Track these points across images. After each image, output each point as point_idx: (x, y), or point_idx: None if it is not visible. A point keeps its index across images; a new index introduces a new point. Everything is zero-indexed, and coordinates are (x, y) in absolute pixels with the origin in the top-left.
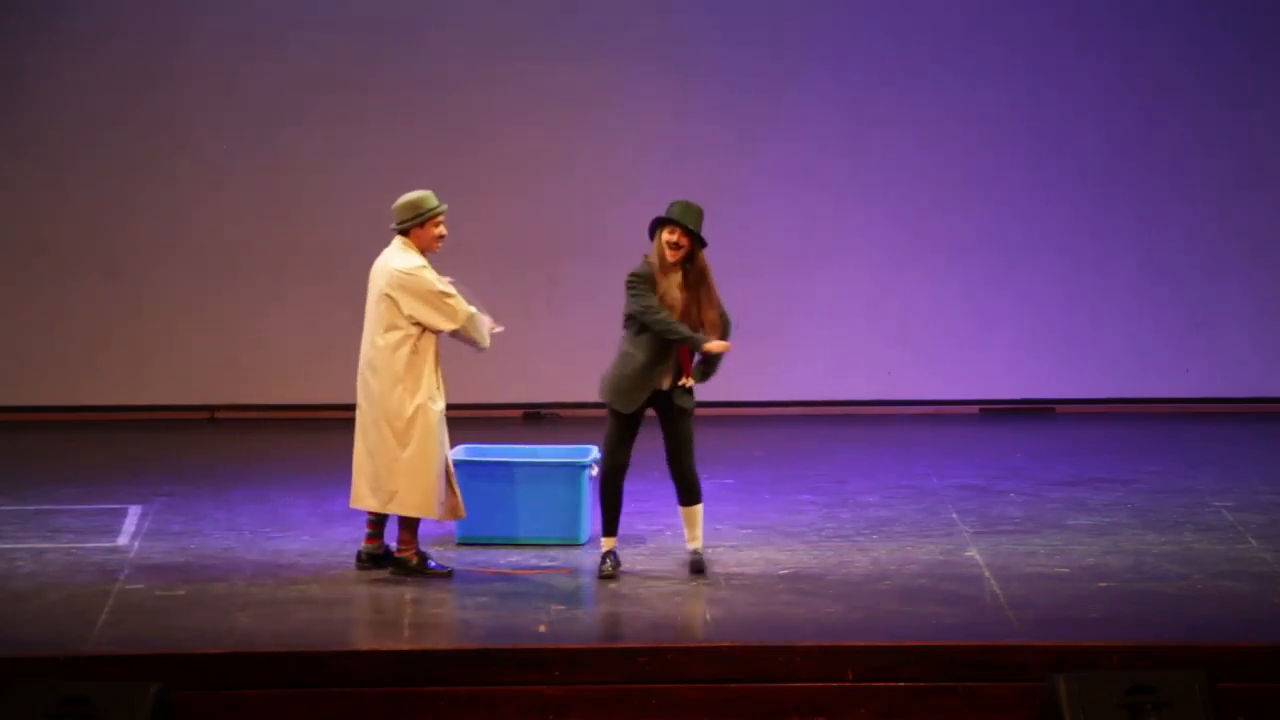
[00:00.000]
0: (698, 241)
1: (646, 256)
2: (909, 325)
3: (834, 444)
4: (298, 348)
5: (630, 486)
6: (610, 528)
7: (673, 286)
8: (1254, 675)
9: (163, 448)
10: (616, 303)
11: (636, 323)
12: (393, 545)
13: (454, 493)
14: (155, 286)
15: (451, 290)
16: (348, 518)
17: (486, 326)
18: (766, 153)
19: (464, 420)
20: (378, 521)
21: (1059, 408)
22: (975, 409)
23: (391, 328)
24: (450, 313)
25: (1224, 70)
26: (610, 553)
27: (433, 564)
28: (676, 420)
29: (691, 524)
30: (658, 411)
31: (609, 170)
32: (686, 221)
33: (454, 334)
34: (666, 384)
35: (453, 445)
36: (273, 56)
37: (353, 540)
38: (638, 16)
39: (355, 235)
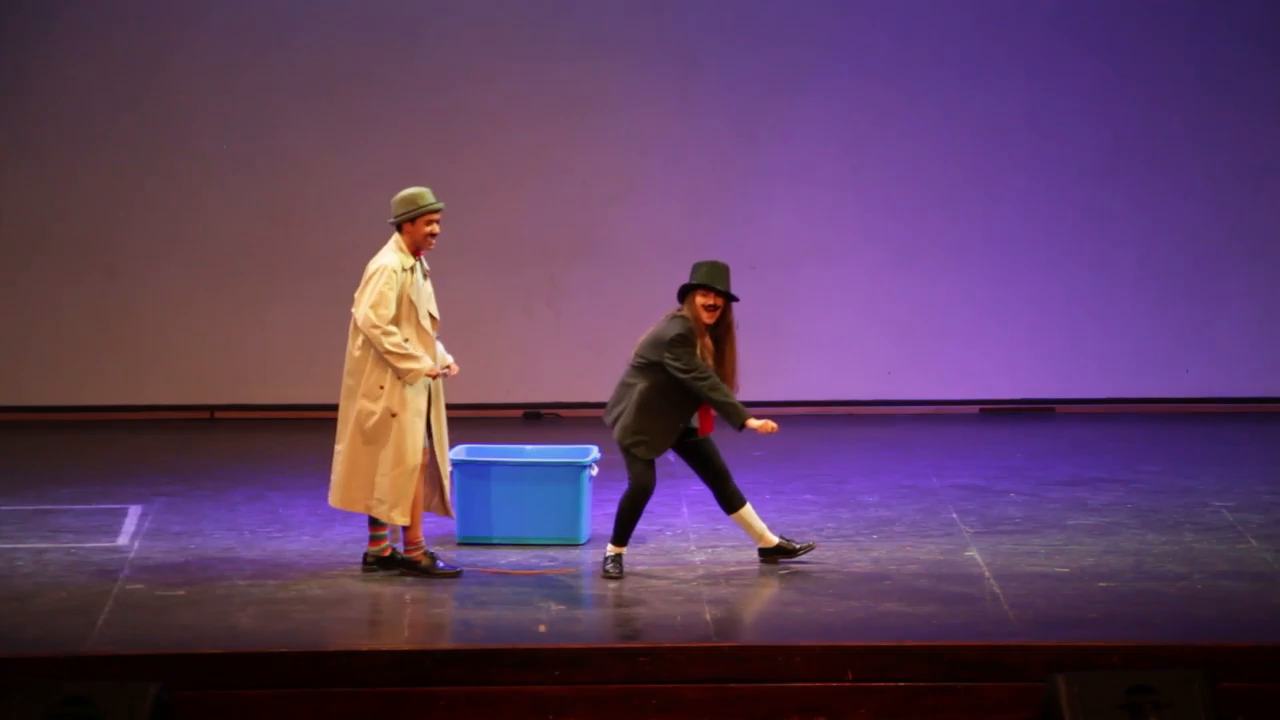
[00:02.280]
0: (730, 300)
1: (682, 314)
2: (909, 325)
3: (834, 444)
4: (298, 348)
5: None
6: (622, 539)
7: (703, 344)
8: (1254, 675)
9: (163, 448)
10: (616, 303)
11: (663, 371)
12: (399, 547)
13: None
14: (155, 286)
15: (390, 306)
16: (348, 518)
17: (422, 365)
18: (766, 153)
19: (464, 420)
20: (379, 523)
21: (1059, 408)
22: (975, 409)
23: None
24: (370, 302)
25: (1224, 70)
26: (617, 556)
27: (441, 564)
28: (702, 444)
29: (750, 525)
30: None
31: (609, 170)
32: (721, 284)
33: (367, 332)
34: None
35: (453, 445)
36: (273, 56)
37: (353, 540)
38: (638, 16)
39: (355, 236)
